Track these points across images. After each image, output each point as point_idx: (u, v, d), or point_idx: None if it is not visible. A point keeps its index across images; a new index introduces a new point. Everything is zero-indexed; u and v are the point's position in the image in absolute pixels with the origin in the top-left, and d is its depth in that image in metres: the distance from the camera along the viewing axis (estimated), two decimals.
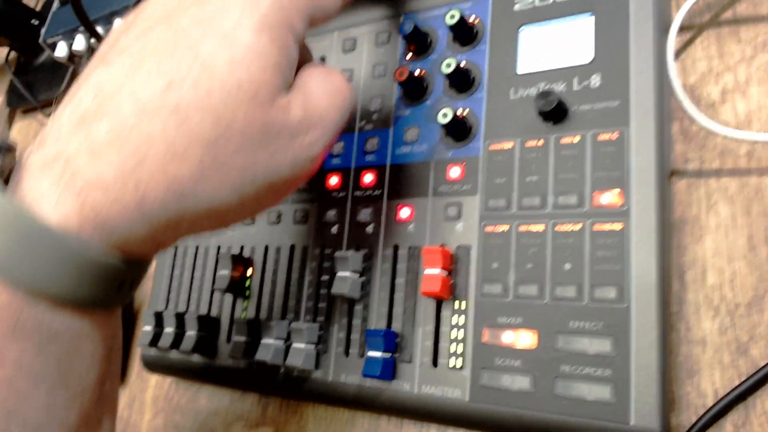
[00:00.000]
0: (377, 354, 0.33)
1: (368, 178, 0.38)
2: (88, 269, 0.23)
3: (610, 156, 0.30)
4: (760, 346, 0.30)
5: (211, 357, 0.41)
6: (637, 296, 0.28)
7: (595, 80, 0.32)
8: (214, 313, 0.42)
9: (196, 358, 0.41)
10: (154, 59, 0.24)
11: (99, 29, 0.66)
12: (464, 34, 0.36)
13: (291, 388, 0.37)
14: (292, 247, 0.40)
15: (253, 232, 0.42)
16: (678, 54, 0.37)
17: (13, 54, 0.89)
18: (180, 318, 0.41)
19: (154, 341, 0.41)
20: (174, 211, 0.24)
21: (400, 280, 0.34)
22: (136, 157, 0.23)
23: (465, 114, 0.35)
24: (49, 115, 0.78)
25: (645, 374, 0.27)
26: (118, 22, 0.64)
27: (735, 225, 0.32)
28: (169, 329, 0.41)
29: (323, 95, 0.28)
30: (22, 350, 0.22)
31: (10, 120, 0.88)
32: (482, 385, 0.30)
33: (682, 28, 0.35)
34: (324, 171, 0.40)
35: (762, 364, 0.29)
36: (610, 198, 0.30)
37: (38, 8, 0.90)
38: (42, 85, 0.82)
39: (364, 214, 0.37)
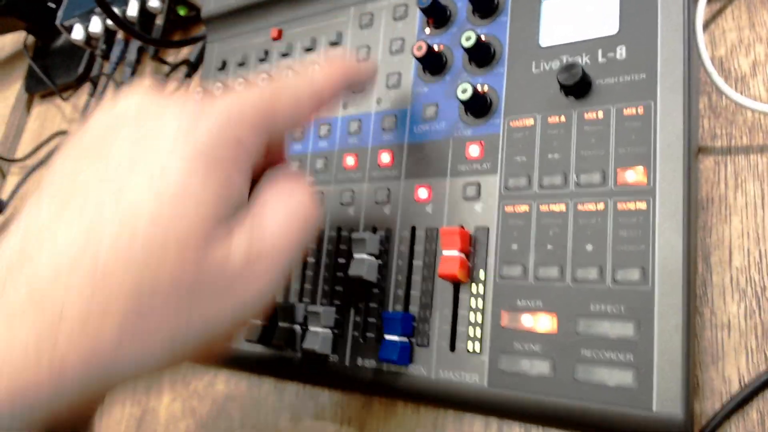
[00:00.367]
0: (394, 338, 0.32)
1: (385, 157, 0.37)
2: None
3: (636, 131, 0.29)
4: None
5: None
6: (661, 278, 0.27)
7: (621, 52, 0.31)
8: None
9: None
10: (78, 200, 0.22)
11: (115, 10, 0.65)
12: (485, 5, 0.35)
13: (307, 372, 0.37)
14: None
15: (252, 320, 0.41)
16: (706, 25, 0.35)
17: (30, 38, 0.90)
18: None
19: None
20: (97, 381, 0.21)
21: (417, 263, 0.34)
22: (50, 322, 0.20)
23: (485, 89, 0.34)
24: (66, 99, 0.78)
25: (668, 359, 0.26)
26: (133, 4, 0.64)
27: (763, 204, 0.31)
28: None
29: (277, 222, 0.25)
30: None
31: (29, 105, 0.88)
32: (501, 369, 0.30)
33: None
34: (340, 151, 0.39)
35: None
36: (634, 176, 0.29)
37: None
38: (60, 69, 0.82)
39: (381, 194, 0.36)
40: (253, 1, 0.47)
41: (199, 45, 0.62)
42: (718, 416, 0.28)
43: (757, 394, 0.28)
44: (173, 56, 0.68)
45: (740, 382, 0.28)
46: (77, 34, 0.72)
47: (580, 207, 0.29)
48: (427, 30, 0.38)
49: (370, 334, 0.34)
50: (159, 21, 0.64)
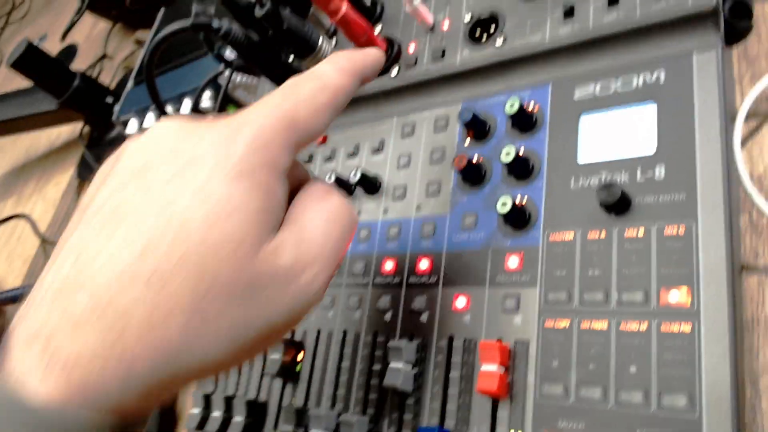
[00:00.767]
0: None
1: (424, 264, 0.37)
2: None
3: (678, 252, 0.29)
4: None
5: None
6: (708, 405, 0.26)
7: (660, 171, 0.31)
8: (262, 397, 0.41)
9: None
10: (128, 222, 0.23)
11: (169, 108, 0.69)
12: (524, 121, 0.36)
13: None
14: (345, 333, 0.39)
15: (307, 315, 0.41)
16: (743, 143, 0.36)
17: (86, 129, 0.95)
18: (228, 402, 0.40)
19: (201, 425, 0.41)
20: (166, 372, 0.23)
21: (454, 374, 0.33)
22: (115, 330, 0.22)
23: (524, 202, 0.35)
24: None
25: None
26: (186, 103, 0.67)
27: None
28: (216, 413, 0.40)
29: (319, 226, 0.26)
30: None
31: (79, 191, 0.92)
32: None
33: (748, 116, 0.34)
34: (380, 255, 0.40)
35: None
36: (678, 296, 0.28)
37: (112, 86, 0.96)
38: None
39: (419, 301, 0.36)
40: None
41: None
42: None
43: None
44: None
45: None
46: (132, 128, 0.76)
47: (622, 326, 0.29)
48: (467, 141, 0.39)
49: None
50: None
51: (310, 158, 0.47)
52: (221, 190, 0.23)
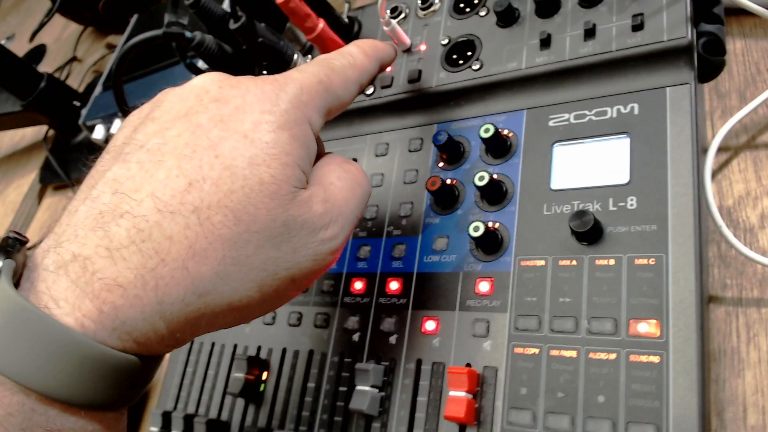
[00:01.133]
0: None
1: (394, 285, 0.37)
2: (104, 372, 0.22)
3: (648, 282, 0.29)
4: None
5: None
6: None
7: (632, 202, 0.31)
8: (224, 416, 0.40)
9: None
10: (174, 158, 0.24)
11: None
12: (498, 146, 0.36)
13: None
14: (311, 353, 0.38)
15: (272, 333, 0.41)
16: (713, 175, 0.36)
17: (51, 132, 0.92)
18: (188, 421, 0.39)
19: None
20: (194, 309, 0.24)
21: (421, 399, 0.33)
22: (157, 257, 0.23)
23: (496, 227, 0.34)
24: None
25: None
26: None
27: None
28: None
29: (342, 188, 0.29)
30: None
31: (41, 195, 0.89)
32: None
33: (718, 150, 0.34)
34: (349, 275, 0.39)
35: None
36: (647, 327, 0.28)
37: (81, 90, 0.94)
38: (76, 163, 0.84)
39: (388, 323, 0.36)
40: None
41: None
42: None
43: None
44: None
45: None
46: (98, 133, 0.74)
47: (591, 355, 0.29)
48: (441, 164, 0.39)
49: None
50: None
51: None
52: (267, 136, 0.25)
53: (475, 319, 0.33)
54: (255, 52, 0.43)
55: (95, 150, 0.80)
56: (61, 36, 1.17)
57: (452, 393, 0.31)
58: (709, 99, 0.39)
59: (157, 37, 0.47)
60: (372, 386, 0.34)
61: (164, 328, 0.23)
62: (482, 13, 0.40)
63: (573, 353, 0.30)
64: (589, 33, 0.35)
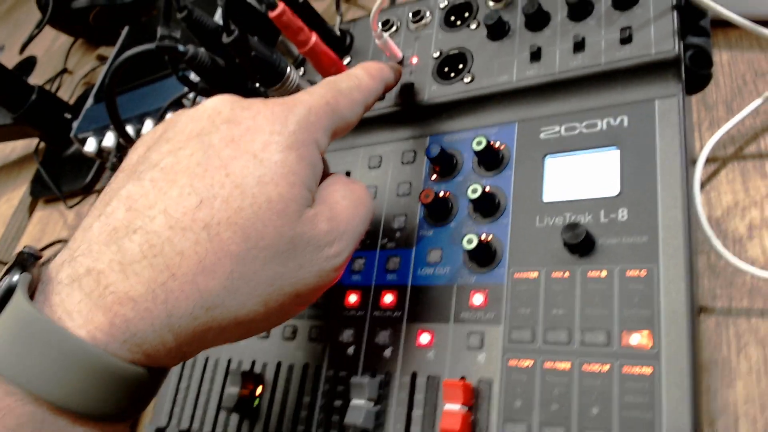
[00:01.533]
0: None
1: (388, 298, 0.37)
2: (114, 384, 0.23)
3: (639, 294, 0.29)
4: None
5: None
6: None
7: (623, 214, 0.31)
8: None
9: None
10: (187, 177, 0.25)
11: (129, 128, 0.68)
12: (490, 159, 0.36)
13: None
14: (306, 366, 0.38)
15: (267, 347, 0.41)
16: (702, 186, 0.37)
17: (42, 144, 0.92)
18: None
19: None
20: (202, 322, 0.24)
21: (417, 412, 0.33)
22: (167, 271, 0.24)
23: (489, 239, 0.35)
24: (71, 207, 0.79)
25: None
26: (148, 124, 0.66)
27: (767, 371, 0.31)
28: None
29: (347, 206, 0.30)
30: None
31: (31, 209, 0.89)
32: None
33: (706, 161, 0.35)
34: (343, 288, 0.39)
35: None
36: (639, 339, 0.29)
37: (71, 102, 0.94)
38: (67, 176, 0.84)
39: (383, 336, 0.36)
40: None
41: None
42: None
43: None
44: None
45: None
46: (90, 146, 0.74)
47: (585, 367, 0.29)
48: (434, 176, 0.39)
49: None
50: None
51: None
52: (275, 156, 0.26)
53: (470, 331, 0.33)
54: (248, 66, 0.43)
55: (86, 161, 0.80)
56: (52, 47, 1.16)
57: (447, 406, 0.31)
58: (697, 110, 0.39)
59: (150, 50, 0.47)
60: (367, 400, 0.34)
61: (172, 341, 0.24)
62: (473, 27, 0.41)
63: (567, 365, 0.30)
64: (579, 46, 0.35)
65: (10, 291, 0.23)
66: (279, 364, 0.40)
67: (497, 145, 0.37)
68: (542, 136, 0.36)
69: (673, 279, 0.29)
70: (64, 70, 1.05)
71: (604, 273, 0.31)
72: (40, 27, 0.89)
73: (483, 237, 0.34)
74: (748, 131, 0.37)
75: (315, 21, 0.45)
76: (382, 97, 0.42)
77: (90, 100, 0.80)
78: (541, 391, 0.30)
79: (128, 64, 0.48)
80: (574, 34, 0.36)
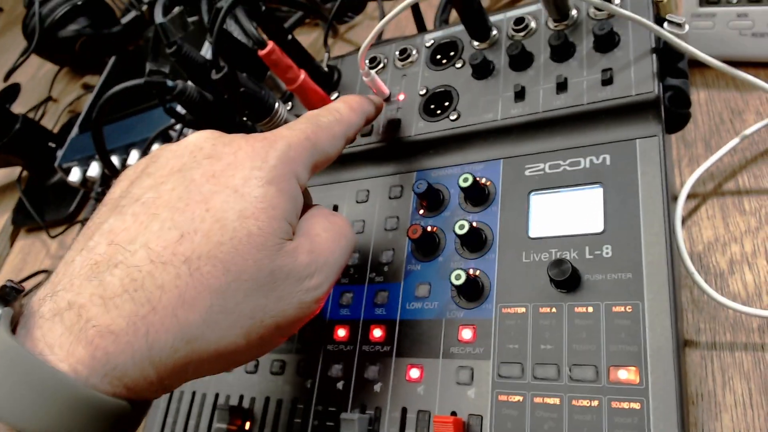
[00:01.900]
0: None
1: (377, 332, 0.37)
2: (95, 417, 0.23)
3: (625, 329, 0.30)
4: None
5: None
6: None
7: (607, 250, 0.32)
8: None
9: None
10: (168, 211, 0.26)
11: (114, 159, 0.68)
12: (477, 195, 0.37)
13: None
14: (294, 401, 0.38)
15: (255, 381, 0.40)
16: (683, 222, 0.38)
17: (24, 173, 0.91)
18: None
19: None
20: (182, 355, 0.25)
21: None
22: (148, 305, 0.24)
23: (477, 274, 0.35)
24: (53, 236, 0.78)
25: None
26: (133, 155, 0.66)
27: (752, 404, 0.31)
28: None
29: (327, 238, 0.30)
30: None
31: (13, 238, 0.88)
32: None
33: (687, 197, 0.36)
34: (332, 322, 0.39)
35: None
36: (626, 375, 0.29)
37: (56, 131, 0.94)
38: (50, 205, 0.83)
39: (372, 371, 0.36)
40: None
41: None
42: None
43: None
44: None
45: None
46: (74, 176, 0.74)
47: (574, 402, 0.30)
48: (421, 211, 0.39)
49: None
50: None
51: None
52: (255, 191, 0.27)
53: (459, 366, 0.33)
54: (236, 101, 0.44)
55: (70, 191, 0.79)
56: (37, 74, 1.16)
57: None
58: (677, 148, 0.40)
59: (139, 85, 0.47)
60: None
61: (153, 374, 0.24)
62: (458, 65, 0.42)
63: (556, 400, 0.30)
64: (561, 86, 0.36)
65: None
66: (267, 399, 0.39)
67: (483, 181, 0.38)
68: (527, 173, 0.37)
69: (658, 315, 0.30)
70: (49, 98, 1.05)
71: (590, 309, 0.31)
72: (26, 55, 0.89)
73: (471, 272, 0.35)
74: (727, 168, 0.38)
75: (303, 57, 0.46)
76: (369, 130, 0.43)
77: (75, 130, 0.80)
78: (532, 426, 0.30)
79: (117, 98, 0.48)
80: (557, 75, 0.37)
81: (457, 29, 0.44)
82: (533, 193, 0.36)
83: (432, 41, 0.44)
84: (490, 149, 0.38)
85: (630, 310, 0.30)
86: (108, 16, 0.92)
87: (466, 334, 0.34)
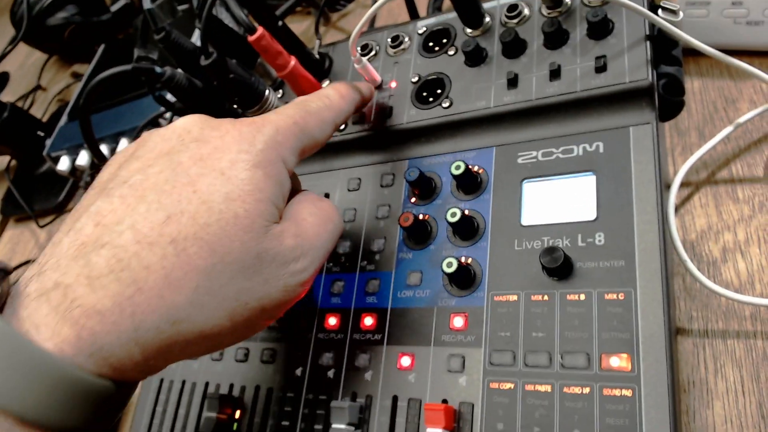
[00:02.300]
0: None
1: (368, 321, 0.37)
2: (80, 396, 0.23)
3: (618, 317, 0.30)
4: None
5: None
6: None
7: (599, 238, 0.32)
8: None
9: None
10: (155, 193, 0.26)
11: (104, 147, 0.67)
12: (469, 183, 0.37)
13: None
14: (285, 390, 0.38)
15: (245, 370, 0.40)
16: (676, 210, 0.37)
17: (13, 162, 0.90)
18: None
19: None
20: (168, 336, 0.25)
21: None
22: (134, 285, 0.24)
23: (469, 262, 0.35)
24: (42, 226, 0.77)
25: None
26: (123, 143, 0.66)
27: (744, 391, 0.31)
28: None
29: (314, 223, 0.30)
30: None
31: (1, 228, 0.87)
32: None
33: (680, 186, 0.36)
34: (323, 310, 0.39)
35: None
36: (618, 362, 0.29)
37: (45, 119, 0.93)
38: (39, 195, 0.82)
39: (363, 359, 0.36)
40: None
41: None
42: None
43: None
44: None
45: None
46: (63, 165, 0.73)
47: (566, 389, 0.30)
48: (413, 199, 0.39)
49: None
50: None
51: None
52: (242, 174, 0.27)
53: (450, 354, 0.33)
54: (226, 88, 0.43)
55: (59, 180, 0.78)
56: (25, 63, 1.15)
57: (429, 430, 0.31)
58: (670, 136, 0.40)
59: (127, 71, 0.47)
60: (348, 424, 0.33)
61: (139, 354, 0.24)
62: (451, 53, 0.41)
63: (548, 388, 0.30)
64: (555, 74, 0.36)
65: None
66: (257, 388, 0.39)
67: (476, 169, 0.37)
68: (520, 160, 0.36)
69: (651, 302, 0.29)
70: (38, 87, 1.04)
71: (582, 296, 0.31)
72: (13, 44, 0.88)
73: (462, 260, 0.35)
74: (720, 157, 0.38)
75: (294, 44, 0.46)
76: (361, 118, 0.43)
77: (64, 118, 0.79)
78: (523, 413, 0.30)
79: (104, 85, 0.48)
80: (550, 62, 0.36)
81: (449, 16, 0.43)
82: (526, 180, 0.36)
83: (424, 28, 0.44)
84: (483, 137, 0.38)
85: (622, 298, 0.30)
86: (97, 4, 0.91)
87: (458, 322, 0.34)
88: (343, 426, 0.33)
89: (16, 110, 0.84)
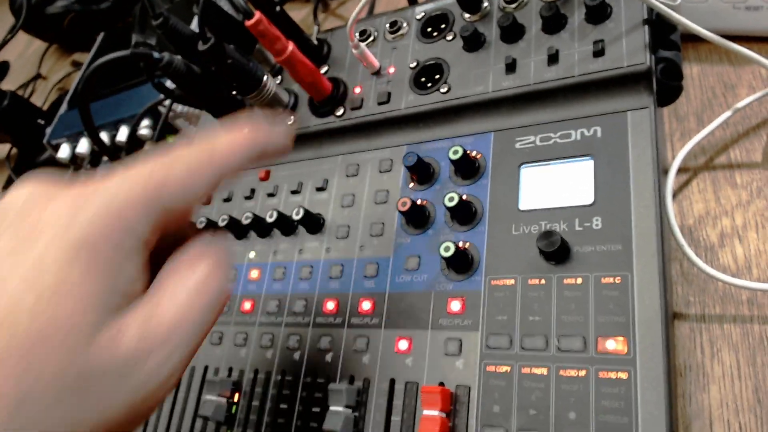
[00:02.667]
0: None
1: (366, 305, 0.37)
2: None
3: (614, 300, 0.30)
4: None
5: None
6: None
7: (597, 222, 0.32)
8: None
9: None
10: None
11: (104, 135, 0.67)
12: (467, 168, 0.37)
13: None
14: (283, 373, 0.38)
15: (244, 354, 0.40)
16: (674, 196, 0.38)
17: (14, 150, 0.91)
18: None
19: None
20: None
21: (395, 419, 0.33)
22: None
23: (466, 246, 0.35)
24: None
25: None
26: (123, 130, 0.66)
27: (740, 375, 0.31)
28: None
29: (179, 298, 0.24)
30: None
31: None
32: None
33: (678, 171, 0.36)
34: (320, 295, 0.39)
35: None
36: (614, 345, 0.29)
37: (45, 108, 0.93)
38: None
39: (361, 343, 0.36)
40: None
41: None
42: None
43: None
44: None
45: None
46: (63, 152, 0.73)
47: (562, 372, 0.30)
48: (411, 185, 0.39)
49: None
50: (147, 147, 0.66)
51: (252, 193, 0.47)
52: (54, 268, 0.21)
53: (448, 338, 0.33)
54: (224, 74, 0.43)
55: (59, 168, 0.78)
56: (25, 52, 1.15)
57: (426, 412, 0.31)
58: (669, 121, 0.40)
59: (125, 57, 0.47)
60: (345, 407, 0.34)
61: None
62: (449, 38, 0.41)
63: (544, 371, 0.30)
64: (553, 58, 0.36)
65: None
66: (256, 372, 0.39)
67: (473, 154, 0.37)
68: (518, 145, 0.36)
69: (647, 286, 0.29)
70: (38, 76, 1.04)
71: (579, 280, 0.31)
72: (13, 32, 0.88)
73: (460, 244, 0.35)
74: (718, 142, 0.38)
75: (292, 30, 0.46)
76: (359, 104, 0.43)
77: (64, 106, 0.79)
78: (519, 396, 0.30)
79: (102, 71, 0.48)
80: (549, 47, 0.36)
81: (448, 1, 0.43)
82: (524, 165, 0.36)
83: (422, 14, 0.44)
84: (481, 122, 0.38)
85: (619, 281, 0.30)
86: None
87: (455, 305, 0.34)
88: (340, 408, 0.34)
89: (17, 99, 0.84)
